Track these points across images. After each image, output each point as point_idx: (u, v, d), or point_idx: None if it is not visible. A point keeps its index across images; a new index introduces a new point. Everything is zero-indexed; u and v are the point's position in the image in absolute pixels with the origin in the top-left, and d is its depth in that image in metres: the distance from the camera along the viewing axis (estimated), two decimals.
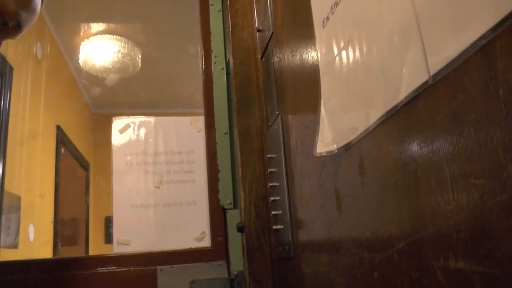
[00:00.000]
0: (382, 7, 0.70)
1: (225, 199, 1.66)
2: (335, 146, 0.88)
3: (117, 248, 1.65)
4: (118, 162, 1.70)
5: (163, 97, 3.24)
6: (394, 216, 0.69)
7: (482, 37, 0.48)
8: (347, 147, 0.84)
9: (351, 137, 0.82)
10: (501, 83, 0.46)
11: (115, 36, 2.93)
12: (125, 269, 1.57)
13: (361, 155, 0.80)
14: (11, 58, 2.48)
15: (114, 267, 1.56)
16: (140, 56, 2.93)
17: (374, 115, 0.73)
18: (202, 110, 1.77)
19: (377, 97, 0.72)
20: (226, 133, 1.70)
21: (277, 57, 1.34)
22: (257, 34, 1.53)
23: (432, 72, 0.57)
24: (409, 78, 0.62)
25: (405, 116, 0.65)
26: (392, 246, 0.69)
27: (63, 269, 1.55)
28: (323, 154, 0.92)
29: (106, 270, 1.55)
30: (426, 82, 0.59)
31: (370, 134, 0.76)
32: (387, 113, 0.69)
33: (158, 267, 1.58)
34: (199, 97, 1.81)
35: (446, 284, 0.56)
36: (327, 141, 0.91)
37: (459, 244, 0.53)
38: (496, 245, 0.47)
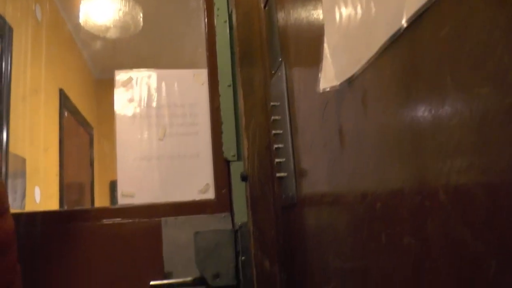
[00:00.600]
0: None
1: (229, 151, 1.65)
2: (338, 81, 0.87)
3: (121, 201, 1.66)
4: (121, 115, 1.70)
5: (166, 55, 3.22)
6: (397, 141, 0.68)
7: None
8: (350, 81, 0.83)
9: (353, 70, 0.81)
10: None
11: None
12: (130, 220, 1.58)
13: (364, 87, 0.79)
14: (11, 19, 2.47)
15: (119, 219, 1.57)
16: (141, 15, 2.90)
17: (377, 44, 0.72)
18: (205, 67, 1.76)
19: (380, 25, 0.71)
20: (229, 86, 1.69)
21: (280, 5, 1.32)
22: None
23: None
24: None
25: (408, 38, 0.64)
26: (394, 172, 0.69)
27: (69, 221, 1.56)
28: (327, 90, 0.91)
29: (112, 222, 1.56)
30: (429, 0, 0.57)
31: (373, 64, 0.75)
32: (389, 39, 0.68)
33: (163, 219, 1.59)
34: (202, 51, 1.79)
35: (449, 204, 0.56)
36: (330, 77, 0.90)
37: (460, 157, 0.53)
38: (499, 153, 0.47)
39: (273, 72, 1.39)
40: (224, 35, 1.74)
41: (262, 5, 1.50)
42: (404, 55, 0.66)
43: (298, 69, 1.18)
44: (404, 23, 0.64)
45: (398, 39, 0.67)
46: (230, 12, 1.74)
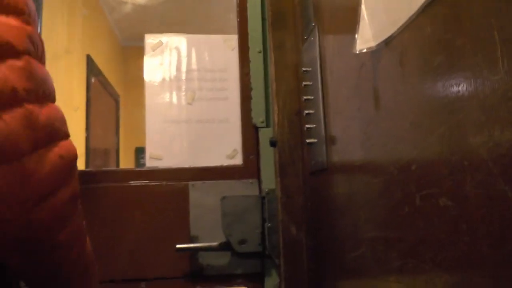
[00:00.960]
0: None
1: (258, 117, 1.65)
2: (374, 42, 0.85)
3: (149, 163, 1.67)
4: (150, 79, 1.70)
5: (195, 20, 3.20)
6: (435, 99, 0.67)
7: None
8: (388, 41, 0.82)
9: (392, 30, 0.79)
10: None
11: None
12: (157, 183, 1.58)
13: (402, 47, 0.78)
14: None
15: (147, 181, 1.58)
16: None
17: (417, 2, 0.70)
18: (235, 33, 1.75)
19: None
20: (259, 52, 1.68)
21: None
22: None
23: None
24: None
25: None
26: (432, 132, 0.68)
27: (95, 181, 1.58)
28: (363, 51, 0.90)
29: (139, 184, 1.57)
30: None
31: (413, 23, 0.73)
32: None
33: (190, 183, 1.59)
34: (232, 16, 1.78)
35: (490, 160, 0.55)
36: (367, 38, 0.88)
37: (506, 113, 0.51)
38: None
39: (305, 37, 1.38)
40: (255, 0, 1.72)
41: None
42: (446, 12, 0.64)
43: (332, 33, 1.16)
44: None
45: None
46: None
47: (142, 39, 1.78)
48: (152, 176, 1.59)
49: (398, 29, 0.77)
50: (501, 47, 0.52)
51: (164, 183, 1.59)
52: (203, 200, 1.60)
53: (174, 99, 1.65)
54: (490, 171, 0.54)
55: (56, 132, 0.79)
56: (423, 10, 0.70)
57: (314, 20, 1.29)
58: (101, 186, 1.57)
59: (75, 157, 0.82)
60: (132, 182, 1.58)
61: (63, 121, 0.83)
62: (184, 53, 1.72)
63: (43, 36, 1.41)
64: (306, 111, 1.32)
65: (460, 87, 0.60)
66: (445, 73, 0.64)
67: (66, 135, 0.82)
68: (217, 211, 1.57)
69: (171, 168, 1.62)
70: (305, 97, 1.33)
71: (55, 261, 0.82)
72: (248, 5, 1.73)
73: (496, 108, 0.53)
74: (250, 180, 1.64)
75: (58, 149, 0.77)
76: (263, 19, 1.71)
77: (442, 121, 0.65)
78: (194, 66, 1.68)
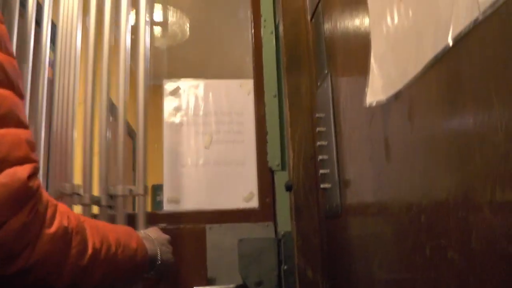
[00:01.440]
0: None
1: (273, 160, 1.67)
2: (384, 94, 0.88)
3: (167, 206, 1.69)
4: (169, 122, 1.74)
5: (212, 63, 3.27)
6: (442, 153, 0.69)
7: None
8: (397, 95, 0.84)
9: (400, 84, 0.82)
10: None
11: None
12: (175, 226, 1.61)
13: (410, 101, 0.80)
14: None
15: (165, 224, 1.61)
16: (188, 25, 2.95)
17: (423, 60, 0.73)
18: (251, 77, 1.79)
19: (426, 40, 0.72)
20: (274, 96, 1.72)
21: (327, 17, 1.34)
22: None
23: (482, 8, 0.57)
24: (459, 17, 0.62)
25: (456, 55, 0.65)
26: (440, 185, 0.70)
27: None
28: (373, 105, 0.93)
29: (157, 227, 1.59)
30: (476, 19, 0.59)
31: (420, 79, 0.76)
32: (436, 56, 0.69)
33: (207, 226, 1.61)
34: (248, 61, 1.82)
35: (493, 218, 0.57)
36: (376, 91, 0.91)
37: (505, 171, 0.53)
38: None
39: (318, 83, 1.41)
40: (271, 46, 1.77)
41: (309, 17, 1.52)
42: (450, 72, 0.67)
43: (344, 81, 1.19)
44: (450, 41, 0.65)
45: (444, 56, 0.68)
46: (277, 23, 1.76)
47: (160, 78, 1.82)
48: (171, 219, 1.62)
49: (406, 84, 0.80)
50: (499, 110, 0.54)
51: (181, 226, 1.62)
52: (220, 243, 1.62)
53: (192, 143, 1.69)
54: (494, 230, 0.56)
55: None
56: (428, 69, 0.72)
57: (327, 67, 1.32)
58: None
59: (23, 182, 0.75)
60: (151, 226, 1.61)
61: (13, 144, 0.76)
62: (201, 97, 1.76)
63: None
64: (320, 157, 1.34)
65: (464, 146, 0.63)
66: (450, 129, 0.67)
67: (18, 161, 0.76)
68: (234, 253, 1.59)
69: (189, 211, 1.65)
70: (319, 143, 1.35)
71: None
72: (264, 50, 1.77)
73: (497, 167, 0.55)
74: (266, 223, 1.66)
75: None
76: (277, 64, 1.75)
77: (449, 175, 0.67)
78: (211, 109, 1.72)
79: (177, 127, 1.73)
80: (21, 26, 1.57)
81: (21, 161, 0.76)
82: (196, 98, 1.72)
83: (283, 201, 1.63)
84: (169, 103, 1.77)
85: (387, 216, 0.92)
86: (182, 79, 1.78)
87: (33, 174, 0.77)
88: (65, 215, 0.83)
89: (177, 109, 1.75)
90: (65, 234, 0.82)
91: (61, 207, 0.85)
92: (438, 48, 0.69)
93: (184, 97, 1.76)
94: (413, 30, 0.77)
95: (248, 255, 1.59)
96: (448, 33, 0.65)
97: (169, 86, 1.78)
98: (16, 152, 0.75)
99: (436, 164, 0.72)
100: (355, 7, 1.09)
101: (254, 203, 1.71)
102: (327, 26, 1.34)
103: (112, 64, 1.63)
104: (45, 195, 0.81)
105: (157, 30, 3.12)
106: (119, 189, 1.51)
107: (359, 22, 1.06)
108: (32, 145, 0.80)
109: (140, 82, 1.62)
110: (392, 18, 0.85)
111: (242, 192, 1.72)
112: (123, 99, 1.60)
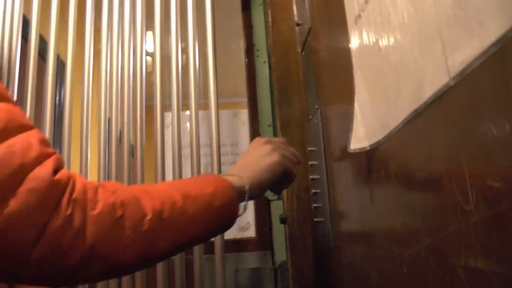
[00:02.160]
0: (407, 7, 0.71)
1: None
2: (367, 142, 0.89)
3: None
4: (166, 154, 1.75)
5: (207, 90, 3.28)
6: (420, 212, 0.70)
7: (494, 43, 0.49)
8: (379, 144, 0.85)
9: (382, 134, 0.83)
10: None
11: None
12: (173, 258, 1.61)
13: (391, 152, 0.81)
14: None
15: None
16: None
17: (402, 114, 0.74)
18: (245, 99, 1.80)
19: (405, 95, 0.73)
20: (269, 126, 1.73)
21: (315, 51, 1.35)
22: (297, 28, 1.55)
23: (452, 74, 0.58)
24: (432, 79, 0.63)
25: (429, 115, 0.66)
26: (419, 242, 0.71)
27: None
28: (356, 151, 0.94)
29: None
30: (447, 84, 0.60)
31: (399, 132, 0.77)
32: (413, 112, 0.70)
33: (204, 256, 1.62)
34: (242, 89, 1.84)
35: (468, 285, 0.57)
36: (360, 137, 0.92)
37: (478, 244, 0.54)
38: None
39: (310, 117, 1.42)
40: (264, 75, 1.78)
41: (299, 49, 1.53)
42: (425, 130, 0.68)
43: (332, 118, 1.20)
44: (424, 100, 0.66)
45: (420, 114, 0.69)
46: (269, 53, 1.78)
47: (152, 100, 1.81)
48: None
49: (387, 134, 0.81)
50: (469, 181, 0.55)
51: (178, 255, 1.62)
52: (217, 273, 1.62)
53: (188, 175, 1.70)
54: None
55: (16, 170, 0.73)
56: (405, 124, 0.73)
57: (317, 102, 1.34)
58: None
59: (49, 180, 0.74)
60: None
61: (25, 149, 0.75)
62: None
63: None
64: (313, 190, 1.35)
65: (439, 209, 0.64)
66: (426, 190, 0.68)
67: (36, 161, 0.75)
68: (231, 283, 1.60)
69: None
70: (311, 177, 1.36)
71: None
72: (257, 79, 1.79)
73: (468, 236, 0.56)
74: (263, 252, 1.67)
75: (26, 186, 0.72)
76: (271, 93, 1.77)
77: (427, 234, 0.68)
78: (206, 141, 1.73)
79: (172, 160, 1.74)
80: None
81: (39, 161, 0.75)
82: (191, 129, 1.73)
83: (280, 230, 1.65)
84: (164, 135, 1.78)
85: (372, 261, 0.93)
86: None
87: (57, 168, 0.77)
88: (110, 192, 0.82)
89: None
90: (112, 210, 0.80)
91: (106, 185, 0.83)
92: (415, 105, 0.69)
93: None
94: (392, 86, 0.78)
95: (245, 286, 1.60)
96: (423, 92, 0.66)
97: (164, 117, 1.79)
98: (30, 154, 0.75)
99: (414, 220, 0.72)
100: (340, 46, 1.10)
101: (251, 233, 1.72)
102: (315, 60, 1.35)
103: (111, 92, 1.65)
104: (80, 180, 0.80)
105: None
106: None
107: (344, 62, 1.07)
108: (44, 141, 0.79)
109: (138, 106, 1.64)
110: (372, 68, 0.86)
111: (239, 222, 1.73)
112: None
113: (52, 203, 0.74)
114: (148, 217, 0.83)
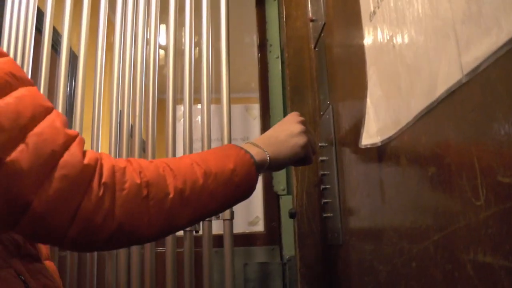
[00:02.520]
0: (422, 3, 0.71)
1: (279, 185, 1.69)
2: (379, 138, 0.90)
3: None
4: (177, 147, 1.76)
5: (219, 84, 3.29)
6: (430, 208, 0.71)
7: (508, 41, 0.49)
8: (390, 140, 0.86)
9: (394, 130, 0.84)
10: None
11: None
12: (181, 249, 1.62)
13: (402, 148, 0.82)
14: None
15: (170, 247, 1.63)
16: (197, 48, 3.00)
17: (415, 110, 0.75)
18: (257, 95, 1.81)
19: (417, 92, 0.74)
20: None
21: (329, 47, 1.36)
22: (310, 24, 1.55)
23: (465, 71, 0.59)
24: (445, 76, 0.64)
25: (441, 112, 0.67)
26: (428, 238, 0.71)
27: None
28: (368, 146, 0.94)
29: (163, 250, 1.61)
30: (459, 81, 0.60)
31: (411, 128, 0.78)
32: (426, 108, 0.71)
33: (213, 249, 1.63)
34: (254, 85, 1.85)
35: (475, 278, 0.58)
36: (372, 133, 0.93)
37: (487, 239, 0.55)
38: None
39: (321, 112, 1.43)
40: (276, 71, 1.79)
41: (312, 45, 1.54)
42: (438, 125, 0.69)
43: (344, 115, 1.21)
44: (436, 96, 0.66)
45: (432, 110, 0.69)
46: (282, 48, 1.78)
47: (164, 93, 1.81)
48: (177, 242, 1.64)
49: (399, 130, 0.81)
50: (480, 176, 0.56)
51: (187, 248, 1.63)
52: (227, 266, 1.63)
53: None
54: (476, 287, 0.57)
55: (49, 157, 0.77)
56: (418, 120, 0.74)
57: (329, 98, 1.34)
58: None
59: (80, 166, 0.79)
60: (158, 249, 1.63)
61: (54, 135, 0.79)
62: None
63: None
64: (323, 186, 1.36)
65: (449, 205, 0.64)
66: (437, 185, 0.68)
67: (64, 147, 0.79)
68: (240, 277, 1.61)
69: (195, 235, 1.67)
70: (322, 172, 1.37)
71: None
72: (270, 75, 1.79)
73: (477, 231, 0.57)
74: (272, 247, 1.68)
75: (58, 173, 0.77)
76: (283, 88, 1.77)
77: (436, 230, 0.69)
78: (218, 135, 1.73)
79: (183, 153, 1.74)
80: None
81: (66, 146, 0.79)
82: (203, 123, 1.73)
83: (289, 225, 1.65)
84: (177, 128, 1.79)
85: (382, 256, 0.94)
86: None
87: (84, 150, 0.82)
88: (137, 171, 0.87)
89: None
90: (139, 191, 0.85)
91: (134, 164, 0.88)
92: (427, 101, 0.70)
93: (193, 121, 1.78)
94: (405, 82, 0.78)
95: (254, 279, 1.61)
96: (436, 89, 0.67)
97: (176, 110, 1.80)
98: (59, 140, 0.78)
99: (424, 216, 0.73)
100: (354, 42, 1.10)
101: (260, 227, 1.73)
102: (329, 57, 1.35)
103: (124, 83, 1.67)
104: (108, 161, 0.85)
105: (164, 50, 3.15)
106: None
107: (357, 58, 1.08)
108: (65, 122, 0.84)
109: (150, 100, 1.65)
110: (386, 65, 0.86)
111: (248, 216, 1.74)
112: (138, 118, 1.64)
113: (83, 187, 0.79)
114: (171, 195, 0.88)
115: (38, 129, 0.77)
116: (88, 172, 0.80)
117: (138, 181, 0.85)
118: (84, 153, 0.82)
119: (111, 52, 1.74)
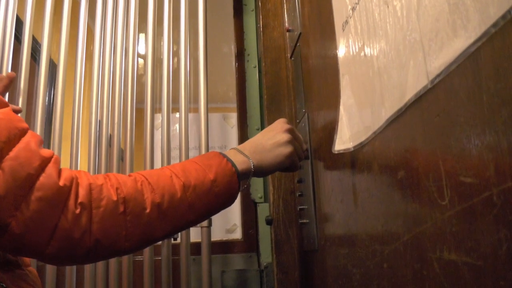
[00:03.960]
0: (390, 14, 0.74)
1: (256, 193, 1.71)
2: (351, 144, 0.92)
3: None
4: (155, 156, 1.77)
5: (197, 93, 3.32)
6: (400, 210, 0.74)
7: (469, 47, 0.52)
8: (362, 145, 0.89)
9: (365, 136, 0.86)
10: (485, 89, 0.51)
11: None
12: (159, 257, 1.63)
13: (374, 153, 0.85)
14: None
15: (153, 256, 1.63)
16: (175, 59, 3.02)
17: (385, 116, 0.78)
18: (235, 105, 1.83)
19: (387, 99, 0.77)
20: (257, 129, 1.76)
21: (304, 57, 1.38)
22: (287, 34, 1.58)
23: (431, 77, 0.61)
24: (413, 82, 0.67)
25: (409, 117, 0.70)
26: (399, 239, 0.74)
27: None
28: (341, 152, 0.97)
29: (141, 259, 1.62)
30: (425, 86, 0.63)
31: (382, 133, 0.80)
32: (395, 113, 0.74)
33: (191, 257, 1.64)
34: (232, 94, 1.87)
35: (442, 275, 0.60)
36: (345, 139, 0.96)
37: (451, 237, 0.57)
38: (481, 239, 0.52)
39: (298, 121, 1.45)
40: (254, 80, 1.81)
41: (289, 55, 1.57)
42: (406, 130, 0.71)
43: (319, 122, 1.23)
44: (404, 103, 0.69)
45: (401, 115, 0.72)
46: (259, 58, 1.81)
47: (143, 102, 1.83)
48: (155, 250, 1.65)
49: (370, 136, 0.84)
50: (445, 178, 0.58)
51: (165, 256, 1.64)
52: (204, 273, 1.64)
53: None
54: (442, 285, 0.60)
55: (25, 180, 0.79)
56: (388, 125, 0.77)
57: (305, 106, 1.37)
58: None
59: (56, 188, 0.81)
60: (137, 257, 1.64)
61: (29, 159, 0.80)
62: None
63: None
64: (299, 192, 1.38)
65: (417, 206, 0.67)
66: (406, 188, 0.71)
67: (40, 170, 0.81)
68: (218, 285, 1.62)
69: (173, 243, 1.68)
70: (297, 179, 1.39)
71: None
72: (247, 84, 1.82)
73: (443, 230, 0.59)
74: (249, 254, 1.70)
75: (35, 195, 0.79)
76: (261, 97, 1.80)
77: (406, 231, 0.71)
78: (196, 143, 1.75)
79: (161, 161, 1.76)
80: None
81: (42, 167, 0.81)
82: (180, 131, 1.75)
83: (266, 232, 1.67)
84: (154, 137, 1.80)
85: (355, 260, 0.96)
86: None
87: (59, 171, 0.84)
88: (114, 187, 0.88)
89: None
90: (115, 207, 0.87)
91: (112, 180, 0.90)
92: (397, 107, 0.73)
93: (169, 129, 1.80)
94: (376, 90, 0.81)
95: (231, 287, 1.62)
96: (405, 95, 0.70)
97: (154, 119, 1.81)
98: (34, 162, 0.81)
99: (395, 218, 0.75)
100: (328, 51, 1.13)
101: (237, 235, 1.74)
102: (305, 66, 1.38)
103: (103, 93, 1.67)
104: (85, 179, 0.87)
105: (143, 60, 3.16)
106: None
107: (331, 67, 1.10)
108: (40, 142, 0.86)
109: (129, 108, 1.66)
110: (358, 73, 0.89)
111: (226, 224, 1.76)
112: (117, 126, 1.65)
113: (59, 207, 0.81)
114: (147, 210, 0.90)
115: (13, 153, 0.79)
116: (63, 192, 0.82)
117: (115, 198, 0.87)
118: (60, 172, 0.84)
119: (90, 61, 1.75)
